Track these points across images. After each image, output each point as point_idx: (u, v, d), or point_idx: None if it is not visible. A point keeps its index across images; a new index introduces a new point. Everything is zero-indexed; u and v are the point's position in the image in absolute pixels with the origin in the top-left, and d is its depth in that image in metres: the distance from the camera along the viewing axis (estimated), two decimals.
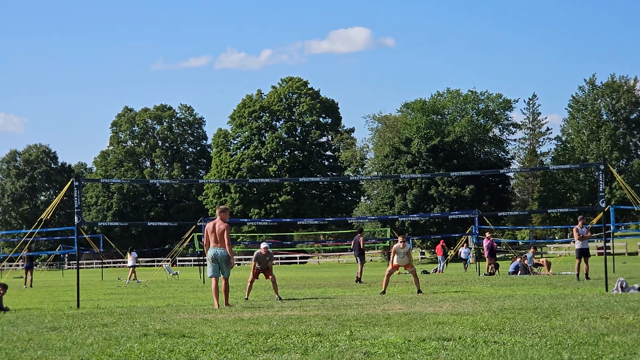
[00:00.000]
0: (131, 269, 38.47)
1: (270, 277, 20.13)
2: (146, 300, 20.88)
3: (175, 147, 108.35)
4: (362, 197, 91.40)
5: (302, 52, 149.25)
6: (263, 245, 20.56)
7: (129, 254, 38.93)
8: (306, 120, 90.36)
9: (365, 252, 34.00)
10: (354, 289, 23.59)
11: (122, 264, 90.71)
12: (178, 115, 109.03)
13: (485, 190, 70.06)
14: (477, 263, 36.77)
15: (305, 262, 79.71)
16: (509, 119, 74.75)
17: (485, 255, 35.19)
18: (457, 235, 53.87)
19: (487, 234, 36.09)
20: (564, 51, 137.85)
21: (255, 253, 20.48)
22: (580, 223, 25.06)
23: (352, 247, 33.00)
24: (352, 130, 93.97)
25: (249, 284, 20.46)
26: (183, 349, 9.45)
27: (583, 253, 24.97)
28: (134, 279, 38.35)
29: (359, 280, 29.08)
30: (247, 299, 19.67)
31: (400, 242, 21.71)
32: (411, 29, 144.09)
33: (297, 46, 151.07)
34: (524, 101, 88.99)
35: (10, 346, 10.24)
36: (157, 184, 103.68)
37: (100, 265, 71.00)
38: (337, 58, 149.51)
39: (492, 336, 9.89)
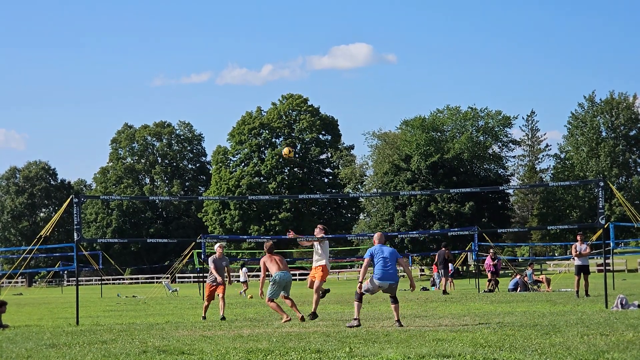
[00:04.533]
0: (244, 283, 39.17)
1: (221, 293, 18.99)
2: (145, 317, 20.85)
3: (174, 164, 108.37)
4: (361, 214, 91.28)
5: (304, 67, 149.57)
6: (217, 245, 19.31)
7: (240, 270, 39.93)
8: (306, 137, 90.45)
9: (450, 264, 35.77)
10: (352, 306, 23.49)
11: (121, 281, 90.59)
12: (177, 131, 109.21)
13: (484, 207, 70.02)
14: (477, 280, 36.78)
15: (305, 279, 79.59)
16: (509, 135, 74.86)
17: (487, 272, 35.22)
18: (456, 252, 53.83)
19: (490, 251, 36.16)
20: (564, 68, 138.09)
21: (210, 258, 19.19)
22: (579, 240, 25.07)
23: (436, 260, 34.71)
24: (352, 147, 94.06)
25: (205, 302, 19.43)
26: None
27: (582, 270, 24.95)
28: (243, 293, 38.74)
29: (445, 292, 31.09)
30: (204, 317, 19.19)
31: (319, 229, 18.11)
32: (413, 45, 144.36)
33: (299, 61, 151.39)
34: (523, 118, 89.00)
35: None
36: (157, 200, 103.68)
37: (99, 282, 70.88)
38: (339, 74, 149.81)
39: (491, 353, 9.87)
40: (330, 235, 17.99)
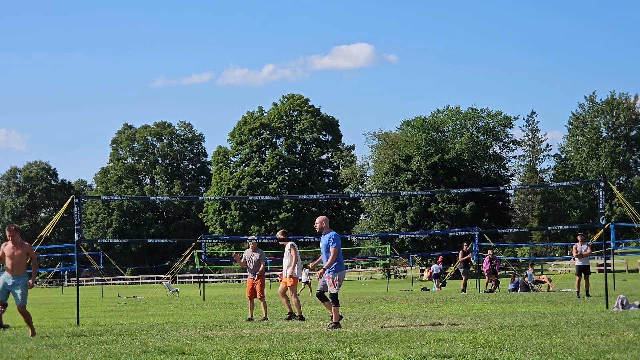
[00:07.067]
0: (305, 284, 39.26)
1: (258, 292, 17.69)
2: (146, 318, 20.84)
3: (175, 164, 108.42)
4: (362, 215, 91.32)
5: (305, 67, 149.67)
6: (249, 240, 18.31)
7: (302, 270, 39.81)
8: (306, 138, 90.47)
9: (470, 264, 36.29)
10: (353, 306, 23.52)
11: (122, 281, 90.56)
12: (178, 132, 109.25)
13: (485, 207, 70.02)
14: (477, 280, 36.79)
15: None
16: (509, 136, 74.88)
17: (486, 272, 35.24)
18: (456, 252, 53.82)
19: (489, 252, 36.19)
20: (564, 68, 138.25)
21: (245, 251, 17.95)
22: (580, 240, 25.06)
23: (459, 259, 35.34)
24: (352, 147, 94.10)
25: None
26: None
27: (583, 270, 24.94)
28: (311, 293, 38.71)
29: (463, 290, 32.03)
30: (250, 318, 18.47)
31: (281, 234, 17.34)
32: (414, 45, 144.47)
33: (300, 62, 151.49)
34: (523, 118, 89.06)
35: None
36: (157, 201, 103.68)
37: (100, 283, 70.88)
38: (340, 74, 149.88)
39: (492, 353, 9.87)
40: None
